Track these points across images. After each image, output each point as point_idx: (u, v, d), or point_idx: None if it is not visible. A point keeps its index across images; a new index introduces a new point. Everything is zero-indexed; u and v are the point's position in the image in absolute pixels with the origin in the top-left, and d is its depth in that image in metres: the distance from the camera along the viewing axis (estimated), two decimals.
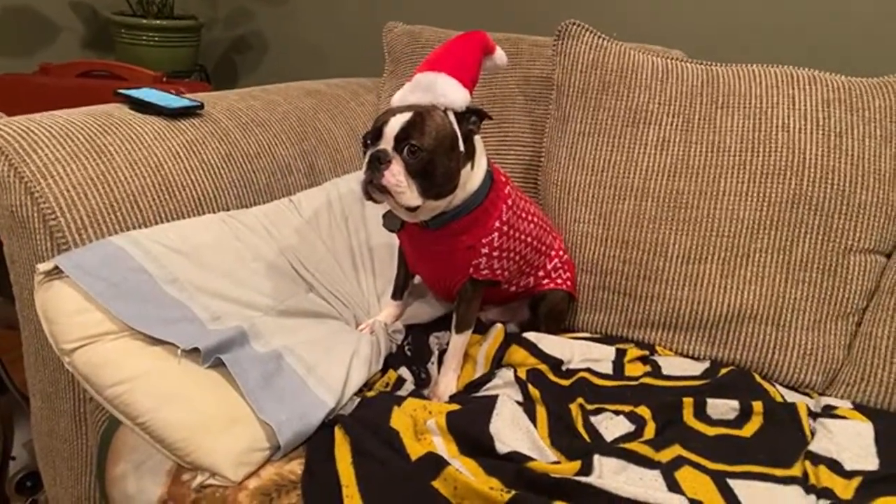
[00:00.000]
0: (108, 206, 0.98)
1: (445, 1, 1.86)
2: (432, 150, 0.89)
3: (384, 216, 1.02)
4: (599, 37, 1.26)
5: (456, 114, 0.94)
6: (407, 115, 0.90)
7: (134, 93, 1.15)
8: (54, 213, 0.93)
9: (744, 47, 1.54)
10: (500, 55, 1.05)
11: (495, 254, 1.00)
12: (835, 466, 0.85)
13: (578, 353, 1.08)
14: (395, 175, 0.88)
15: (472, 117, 0.96)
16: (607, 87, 1.22)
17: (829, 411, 0.98)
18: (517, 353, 1.05)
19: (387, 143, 0.89)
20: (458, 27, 1.53)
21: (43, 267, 0.85)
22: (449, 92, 0.94)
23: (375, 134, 0.90)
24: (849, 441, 0.89)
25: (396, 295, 1.15)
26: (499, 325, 1.09)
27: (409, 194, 0.89)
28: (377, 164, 0.88)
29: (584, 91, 1.24)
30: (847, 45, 1.45)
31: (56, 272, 0.85)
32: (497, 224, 0.99)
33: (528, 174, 1.38)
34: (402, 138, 0.88)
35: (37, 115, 1.01)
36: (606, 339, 1.15)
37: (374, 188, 0.89)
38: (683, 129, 1.17)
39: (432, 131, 0.90)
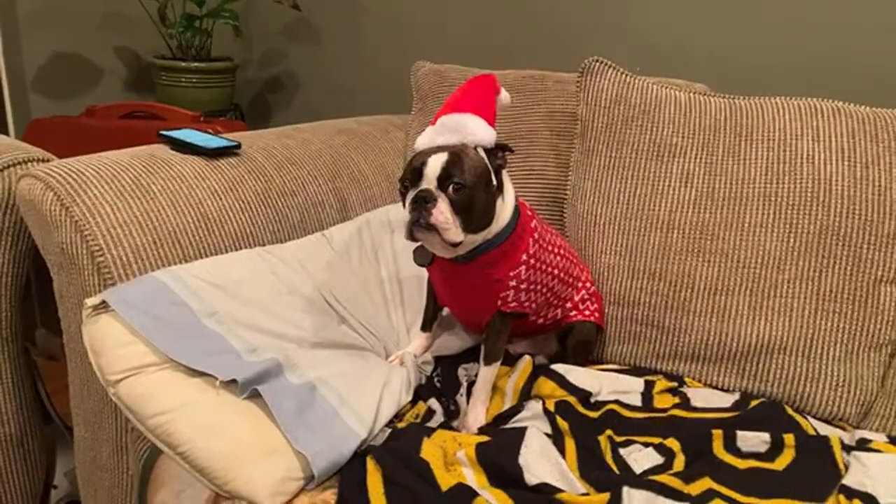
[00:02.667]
0: (152, 242, 1.03)
1: (471, 41, 1.92)
2: (473, 186, 0.92)
3: (415, 251, 1.04)
4: (622, 72, 1.29)
5: (485, 150, 0.97)
6: (444, 155, 0.92)
7: (175, 134, 1.21)
8: (101, 249, 0.98)
9: (767, 80, 1.55)
10: (504, 95, 1.08)
11: (523, 286, 1.02)
12: (870, 501, 0.83)
13: (607, 384, 1.08)
14: (443, 213, 0.91)
15: (499, 152, 0.99)
16: (631, 122, 1.25)
17: (863, 445, 0.96)
18: (546, 385, 1.05)
19: (429, 183, 0.92)
20: (484, 66, 1.58)
21: (91, 301, 0.90)
22: (477, 131, 0.97)
23: (415, 175, 0.93)
24: (884, 475, 0.88)
25: (426, 327, 1.17)
26: (527, 358, 1.11)
27: (455, 230, 0.92)
28: (423, 203, 0.90)
29: (608, 126, 1.27)
30: (870, 76, 1.46)
31: (103, 306, 0.89)
32: (524, 257, 1.01)
33: (554, 207, 1.40)
34: (445, 177, 0.91)
35: (86, 156, 1.07)
36: (635, 371, 1.16)
37: (420, 227, 0.91)
38: (708, 162, 1.18)
39: (471, 168, 0.93)
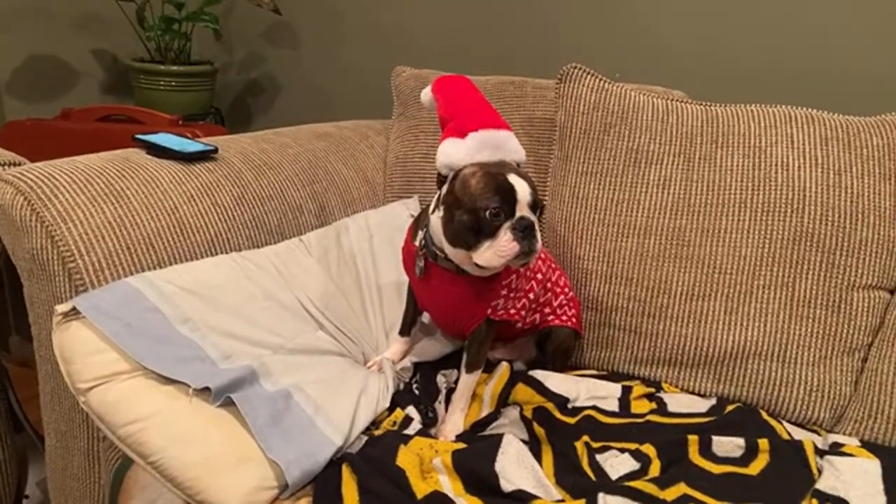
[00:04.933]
0: (125, 248, 1.01)
1: (450, 46, 1.92)
2: None
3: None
4: (600, 79, 1.29)
5: None
6: (521, 179, 0.90)
7: (151, 138, 1.19)
8: (73, 255, 0.97)
9: (745, 86, 1.57)
10: None
11: (512, 294, 1.02)
12: None
13: (585, 390, 1.08)
14: (540, 238, 0.91)
15: None
16: (609, 128, 1.25)
17: (836, 449, 0.97)
18: (523, 392, 1.05)
19: (524, 210, 0.89)
20: (464, 71, 1.58)
21: (61, 308, 0.88)
22: (518, 148, 0.98)
23: (509, 202, 0.89)
24: (856, 479, 0.89)
25: (404, 331, 1.16)
26: (504, 364, 1.10)
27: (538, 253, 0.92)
28: (531, 231, 0.89)
29: (586, 132, 1.27)
30: (844, 85, 1.48)
31: (74, 313, 0.88)
32: None
33: None
34: (534, 203, 0.90)
35: (58, 160, 1.05)
36: (613, 377, 1.16)
37: (525, 256, 0.89)
38: (684, 169, 1.19)
39: (537, 188, 0.93)
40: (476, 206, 0.89)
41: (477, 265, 0.92)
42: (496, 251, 0.89)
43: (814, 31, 1.50)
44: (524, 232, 0.88)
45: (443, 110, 1.00)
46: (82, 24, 2.10)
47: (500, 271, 0.99)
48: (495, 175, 0.90)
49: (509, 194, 0.89)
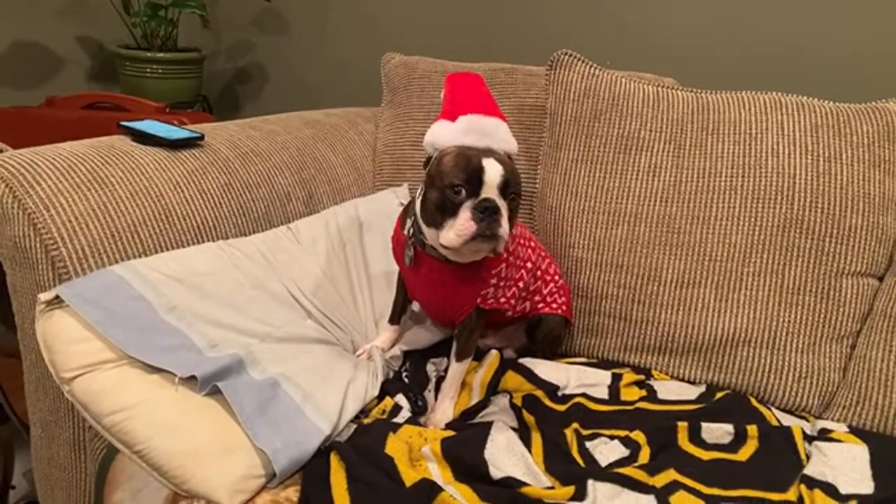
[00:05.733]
0: (109, 235, 1.00)
1: (440, 33, 1.91)
2: (520, 195, 0.92)
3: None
4: (591, 66, 1.28)
5: None
6: (497, 163, 0.89)
7: (136, 125, 1.17)
8: (56, 243, 0.95)
9: (734, 75, 1.56)
10: None
11: (502, 283, 1.02)
12: (830, 490, 0.85)
13: (574, 378, 1.08)
14: (506, 223, 0.88)
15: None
16: (599, 115, 1.25)
17: (824, 435, 0.98)
18: (513, 380, 1.05)
19: (491, 192, 0.88)
20: (453, 58, 1.57)
21: (44, 296, 0.87)
22: (508, 138, 0.97)
23: (475, 182, 0.88)
24: (844, 464, 0.89)
25: (394, 319, 1.16)
26: (494, 352, 1.10)
27: (505, 239, 0.90)
28: (492, 213, 0.87)
29: (576, 119, 1.27)
30: (834, 72, 1.48)
31: (57, 301, 0.87)
32: (505, 255, 1.00)
33: (523, 201, 1.39)
34: (505, 186, 0.88)
35: (41, 147, 1.04)
36: (603, 364, 1.16)
37: (484, 238, 0.87)
38: (675, 156, 1.19)
39: (518, 176, 0.91)
40: (443, 183, 0.89)
41: (443, 246, 0.91)
42: (455, 230, 0.87)
43: (805, 18, 1.50)
44: (484, 213, 0.86)
45: (446, 99, 1.00)
46: (67, 9, 2.06)
47: (488, 260, 0.98)
48: (469, 156, 0.90)
49: (475, 174, 0.87)
